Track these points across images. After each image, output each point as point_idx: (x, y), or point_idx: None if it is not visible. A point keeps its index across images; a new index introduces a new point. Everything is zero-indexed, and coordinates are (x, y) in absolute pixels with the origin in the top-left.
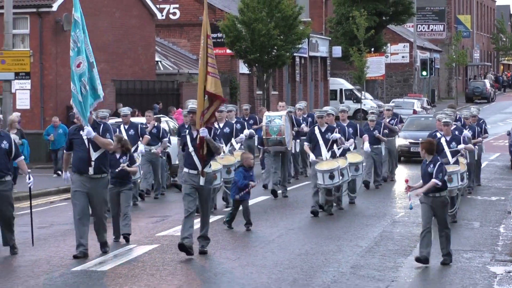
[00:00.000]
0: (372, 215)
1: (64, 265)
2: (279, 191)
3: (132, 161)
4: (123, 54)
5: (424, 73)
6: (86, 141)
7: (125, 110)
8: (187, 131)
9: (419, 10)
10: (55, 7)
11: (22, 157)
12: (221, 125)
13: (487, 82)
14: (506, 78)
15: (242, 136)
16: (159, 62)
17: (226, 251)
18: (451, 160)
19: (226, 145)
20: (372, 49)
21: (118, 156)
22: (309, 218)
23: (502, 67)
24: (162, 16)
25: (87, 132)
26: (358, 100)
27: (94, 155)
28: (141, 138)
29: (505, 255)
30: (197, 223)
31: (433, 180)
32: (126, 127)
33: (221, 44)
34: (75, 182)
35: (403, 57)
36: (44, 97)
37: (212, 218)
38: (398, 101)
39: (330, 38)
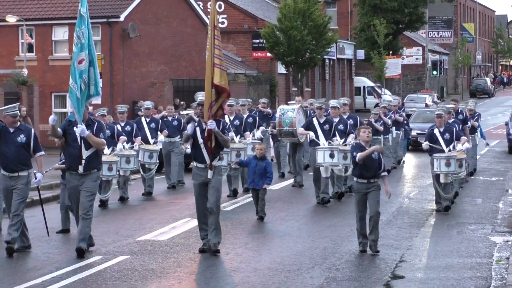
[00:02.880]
0: (392, 191)
1: (130, 235)
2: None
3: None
4: (180, 57)
5: (435, 72)
6: (78, 138)
7: (148, 104)
8: (196, 123)
9: (430, 19)
10: (122, 17)
11: (42, 152)
12: (232, 117)
13: (488, 80)
14: (504, 76)
15: (258, 134)
16: None
17: (268, 223)
18: (446, 149)
19: (236, 136)
20: (390, 52)
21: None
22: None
23: (501, 67)
24: None
25: (81, 130)
26: (378, 96)
27: (85, 154)
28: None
29: (504, 227)
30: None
31: (385, 174)
32: (148, 120)
33: (262, 49)
34: (68, 181)
35: (416, 59)
36: (113, 94)
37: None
38: (413, 96)
39: (354, 43)
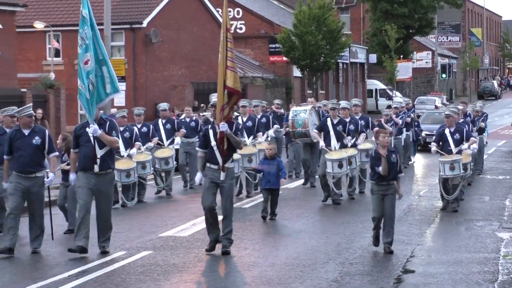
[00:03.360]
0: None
1: (153, 232)
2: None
3: None
4: (200, 61)
5: (444, 75)
6: (92, 139)
7: (164, 105)
8: (210, 125)
9: (439, 24)
10: (145, 23)
11: (56, 153)
12: (245, 119)
13: (495, 83)
14: (510, 79)
15: (268, 133)
16: None
17: (284, 220)
18: (454, 150)
19: (248, 138)
20: (401, 56)
21: (63, 153)
22: (345, 195)
23: (507, 70)
24: (231, 30)
25: (93, 130)
26: (389, 98)
27: (99, 153)
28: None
29: (510, 223)
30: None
31: (400, 175)
32: (164, 121)
33: (278, 53)
34: (80, 179)
35: (426, 62)
36: (137, 97)
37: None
38: (423, 98)
39: (367, 48)
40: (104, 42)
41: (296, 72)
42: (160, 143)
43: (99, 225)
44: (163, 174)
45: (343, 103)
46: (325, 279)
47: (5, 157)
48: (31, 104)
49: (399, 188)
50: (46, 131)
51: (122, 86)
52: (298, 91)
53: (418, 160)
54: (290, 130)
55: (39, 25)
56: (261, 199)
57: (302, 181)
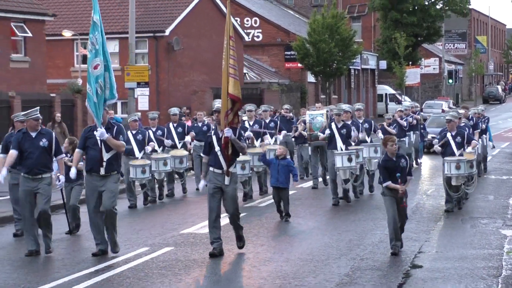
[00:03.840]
0: (409, 190)
1: (174, 229)
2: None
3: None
4: (219, 67)
5: (450, 81)
6: (99, 142)
7: (174, 110)
8: (213, 131)
9: (446, 32)
10: (167, 32)
11: (63, 155)
12: (251, 123)
13: (499, 88)
14: None
15: (278, 137)
16: (246, 74)
17: (298, 218)
18: (457, 152)
19: (256, 141)
20: (410, 63)
21: (68, 155)
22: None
23: (511, 76)
24: (249, 38)
25: (100, 133)
26: (399, 102)
27: (106, 156)
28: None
29: None
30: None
31: (409, 177)
32: (175, 125)
33: (293, 60)
34: (87, 183)
35: (434, 68)
36: (159, 101)
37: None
38: (430, 103)
39: (377, 54)
40: (129, 50)
41: (310, 78)
42: (159, 147)
43: (106, 225)
44: (176, 176)
45: (345, 107)
46: (337, 273)
47: (11, 151)
48: (38, 107)
49: (405, 184)
50: (53, 133)
51: (145, 91)
52: (312, 96)
53: (425, 162)
54: (308, 132)
55: (67, 34)
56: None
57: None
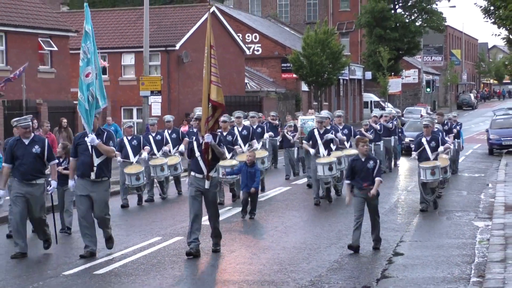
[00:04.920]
0: (391, 187)
1: (184, 220)
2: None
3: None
4: (223, 77)
5: (428, 89)
6: (90, 147)
7: (168, 117)
8: (194, 137)
9: (425, 46)
10: (177, 46)
11: (55, 161)
12: (240, 128)
13: (472, 96)
14: (485, 92)
15: (265, 137)
16: (247, 83)
17: (293, 211)
18: (431, 156)
19: (244, 146)
20: (392, 73)
21: (61, 160)
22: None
23: (482, 85)
24: (249, 52)
25: (91, 139)
26: (382, 108)
27: (96, 161)
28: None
29: (485, 214)
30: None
31: (378, 179)
32: (169, 131)
33: (289, 71)
34: (78, 186)
35: (413, 78)
36: (171, 108)
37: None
38: (410, 109)
39: (363, 66)
40: (144, 62)
41: (304, 87)
42: (155, 152)
43: (100, 227)
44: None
45: (324, 114)
46: (328, 260)
47: (4, 164)
48: (30, 116)
49: (374, 188)
50: (46, 140)
51: (158, 98)
52: (306, 103)
53: (403, 162)
54: (299, 136)
55: None
56: (274, 194)
57: (305, 180)
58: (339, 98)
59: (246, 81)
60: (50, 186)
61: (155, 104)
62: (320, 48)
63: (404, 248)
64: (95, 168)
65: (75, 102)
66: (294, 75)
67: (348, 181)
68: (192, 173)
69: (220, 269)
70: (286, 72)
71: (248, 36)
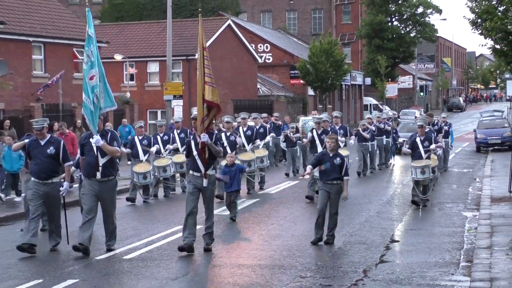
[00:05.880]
0: (388, 181)
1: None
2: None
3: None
4: (238, 84)
5: (422, 93)
6: (94, 148)
7: (177, 118)
8: (192, 136)
9: (419, 55)
10: (196, 55)
11: (70, 162)
12: (245, 129)
13: (461, 99)
14: (473, 96)
15: (266, 139)
16: (259, 88)
17: (300, 203)
18: (424, 155)
19: (248, 145)
20: (389, 79)
21: None
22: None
23: (470, 89)
24: (261, 60)
25: (96, 140)
26: (380, 110)
27: (101, 161)
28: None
29: (473, 205)
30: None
31: (346, 178)
32: (178, 131)
33: (297, 77)
34: (85, 185)
35: (408, 84)
36: (191, 111)
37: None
38: (405, 111)
39: (363, 73)
40: (167, 70)
41: (310, 92)
42: (162, 151)
43: (105, 226)
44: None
45: (323, 117)
46: (332, 247)
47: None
48: (47, 118)
49: (345, 190)
50: (62, 142)
51: (180, 102)
52: (312, 106)
53: (398, 161)
54: (301, 136)
55: (118, 57)
56: (284, 187)
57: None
58: (341, 102)
59: (258, 86)
60: (63, 187)
61: (177, 107)
62: (325, 57)
63: (400, 236)
64: (100, 168)
65: None
66: (301, 81)
67: (309, 166)
68: (190, 172)
69: (235, 255)
70: (294, 78)
71: (260, 46)
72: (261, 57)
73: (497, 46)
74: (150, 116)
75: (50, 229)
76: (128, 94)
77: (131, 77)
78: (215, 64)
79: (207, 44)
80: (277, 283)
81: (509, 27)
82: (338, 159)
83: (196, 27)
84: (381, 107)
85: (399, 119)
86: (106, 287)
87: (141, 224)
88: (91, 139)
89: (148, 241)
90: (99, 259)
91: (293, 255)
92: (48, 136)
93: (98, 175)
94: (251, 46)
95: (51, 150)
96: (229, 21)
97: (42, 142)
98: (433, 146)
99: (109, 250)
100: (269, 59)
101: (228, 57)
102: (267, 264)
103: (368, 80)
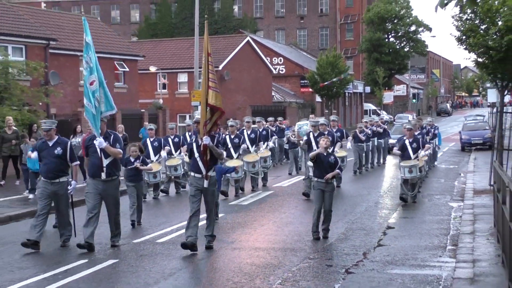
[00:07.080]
0: (384, 176)
1: (228, 200)
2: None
3: (144, 163)
4: (255, 92)
5: (414, 100)
6: (98, 150)
7: (188, 121)
8: (194, 138)
9: (412, 67)
10: (220, 67)
11: (77, 162)
12: (249, 132)
13: (448, 105)
14: (458, 102)
15: (269, 143)
16: (274, 96)
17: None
18: (412, 156)
19: (252, 147)
20: (386, 88)
21: (133, 160)
22: (345, 178)
23: (456, 97)
24: (275, 71)
25: (99, 142)
26: (378, 115)
27: (105, 162)
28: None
29: (458, 197)
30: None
31: (337, 170)
32: (190, 133)
33: (306, 86)
34: (89, 185)
35: (402, 92)
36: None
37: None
38: (400, 115)
39: (364, 82)
40: (194, 80)
41: (318, 99)
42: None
43: (110, 223)
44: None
45: (321, 120)
46: (336, 232)
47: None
48: (56, 121)
49: (331, 174)
50: (68, 142)
51: None
52: (319, 111)
53: (390, 160)
54: (297, 139)
55: (152, 69)
56: (295, 181)
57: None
58: (345, 107)
59: (273, 94)
60: (71, 186)
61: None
62: (331, 68)
63: (395, 223)
64: (104, 169)
65: (142, 110)
66: (310, 89)
67: (315, 177)
68: (192, 173)
69: (252, 239)
70: (304, 87)
71: (275, 59)
72: (275, 68)
73: (479, 60)
74: (179, 119)
75: (59, 226)
76: (161, 101)
77: (164, 86)
78: (236, 75)
79: (228, 57)
80: (289, 263)
81: (490, 43)
82: (332, 157)
83: (220, 42)
84: (379, 112)
85: (394, 123)
86: (142, 266)
87: (172, 213)
88: (94, 141)
89: (178, 227)
90: (136, 242)
91: (303, 239)
92: (56, 137)
93: (103, 175)
94: (267, 59)
95: (58, 150)
96: (248, 38)
97: (50, 143)
98: (423, 152)
99: (113, 246)
100: (282, 70)
101: (247, 69)
102: (280, 247)
103: (368, 89)
